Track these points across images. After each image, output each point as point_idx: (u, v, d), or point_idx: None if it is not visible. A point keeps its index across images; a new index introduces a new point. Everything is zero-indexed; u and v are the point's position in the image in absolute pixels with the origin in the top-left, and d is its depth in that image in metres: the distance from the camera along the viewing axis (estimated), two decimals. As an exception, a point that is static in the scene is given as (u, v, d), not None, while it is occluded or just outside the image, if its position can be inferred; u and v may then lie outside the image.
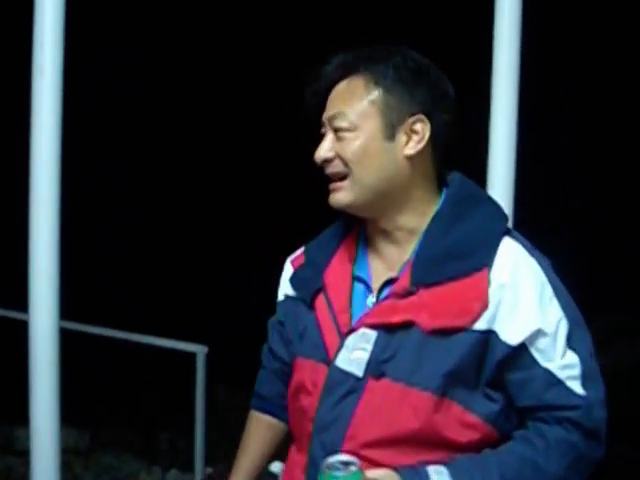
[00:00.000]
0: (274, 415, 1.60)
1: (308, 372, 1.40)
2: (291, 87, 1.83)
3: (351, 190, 1.35)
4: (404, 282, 1.33)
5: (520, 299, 1.29)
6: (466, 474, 1.25)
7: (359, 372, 1.32)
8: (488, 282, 1.29)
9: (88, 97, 5.42)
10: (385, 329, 1.32)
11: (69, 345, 2.45)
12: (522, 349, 1.29)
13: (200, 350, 4.12)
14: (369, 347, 1.32)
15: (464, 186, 1.42)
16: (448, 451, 1.29)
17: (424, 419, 1.27)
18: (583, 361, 1.31)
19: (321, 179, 1.41)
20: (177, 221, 7.92)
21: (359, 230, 1.46)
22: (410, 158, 1.35)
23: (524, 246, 1.36)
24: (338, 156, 1.36)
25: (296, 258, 1.53)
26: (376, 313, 1.34)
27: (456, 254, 1.31)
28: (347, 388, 1.32)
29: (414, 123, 1.35)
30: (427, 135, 1.35)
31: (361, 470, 1.18)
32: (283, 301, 1.53)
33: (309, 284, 1.44)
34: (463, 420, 1.29)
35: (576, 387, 1.29)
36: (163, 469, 4.22)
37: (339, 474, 1.15)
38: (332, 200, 1.38)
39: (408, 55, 1.38)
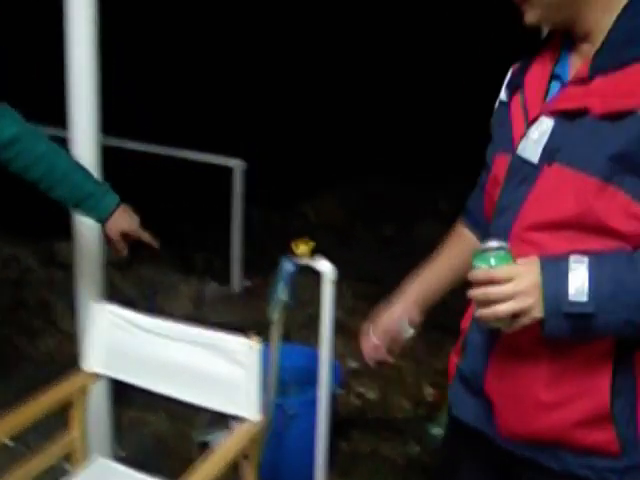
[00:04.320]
0: (471, 225, 1.67)
1: (500, 165, 1.44)
2: None
3: (533, 10, 1.36)
4: (583, 70, 1.32)
5: None
6: (603, 265, 1.22)
7: (534, 159, 1.35)
8: None
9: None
10: (561, 116, 1.33)
11: (110, 161, 2.50)
12: None
13: (237, 164, 4.15)
14: (546, 135, 1.34)
15: None
16: (612, 240, 1.27)
17: (584, 204, 1.26)
18: None
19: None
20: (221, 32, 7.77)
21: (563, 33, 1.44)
22: None
23: None
24: None
25: (515, 64, 1.54)
26: (554, 101, 1.36)
27: (636, 40, 1.28)
28: (523, 175, 1.36)
29: None
30: None
31: (509, 253, 1.27)
32: (497, 107, 1.55)
33: (510, 84, 1.49)
34: (629, 210, 1.25)
35: None
36: (201, 282, 4.37)
37: (489, 254, 1.26)
38: (525, 20, 1.40)
39: None
